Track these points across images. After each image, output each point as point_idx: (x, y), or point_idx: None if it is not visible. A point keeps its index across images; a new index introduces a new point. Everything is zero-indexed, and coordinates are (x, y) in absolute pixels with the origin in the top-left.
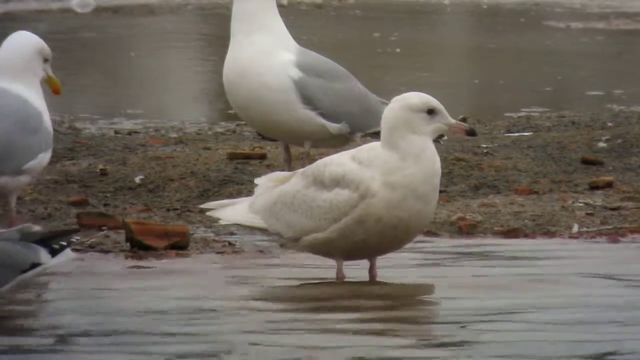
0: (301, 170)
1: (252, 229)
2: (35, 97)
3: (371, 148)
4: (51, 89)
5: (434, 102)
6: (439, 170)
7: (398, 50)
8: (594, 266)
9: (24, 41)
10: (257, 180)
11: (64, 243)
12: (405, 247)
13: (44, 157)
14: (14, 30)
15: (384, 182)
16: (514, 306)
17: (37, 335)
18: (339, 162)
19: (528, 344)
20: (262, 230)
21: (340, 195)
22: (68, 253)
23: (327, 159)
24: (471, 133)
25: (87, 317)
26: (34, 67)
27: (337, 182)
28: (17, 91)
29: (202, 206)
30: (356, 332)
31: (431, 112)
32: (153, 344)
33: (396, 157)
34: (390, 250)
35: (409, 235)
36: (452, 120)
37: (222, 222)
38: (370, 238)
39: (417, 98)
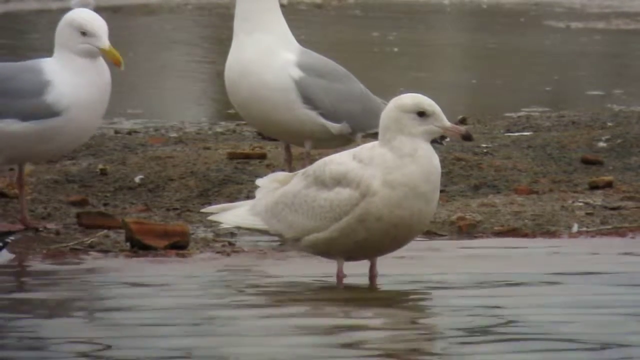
0: (302, 170)
1: (253, 232)
2: (54, 69)
3: (372, 147)
4: (113, 63)
5: (426, 104)
6: (439, 169)
7: (395, 49)
8: None
9: (62, 19)
10: (258, 182)
11: (0, 244)
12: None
13: (11, 125)
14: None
15: (384, 181)
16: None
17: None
18: (339, 161)
19: None
20: (263, 232)
21: (341, 194)
22: (3, 254)
23: (327, 158)
24: (467, 137)
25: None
26: (64, 41)
27: (338, 181)
28: (34, 60)
29: (204, 210)
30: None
31: (422, 114)
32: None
33: (394, 156)
34: (391, 249)
35: (411, 235)
36: (448, 124)
37: (223, 226)
38: (371, 237)
39: (409, 99)
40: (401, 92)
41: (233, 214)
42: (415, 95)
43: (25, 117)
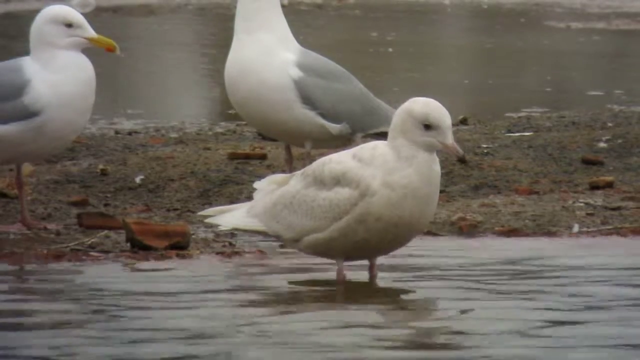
0: (300, 171)
1: (251, 233)
2: (33, 68)
3: (374, 147)
4: (106, 50)
5: (433, 117)
6: (438, 172)
7: (396, 50)
8: None
9: (37, 17)
10: (256, 185)
11: None
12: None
13: None
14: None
15: (384, 181)
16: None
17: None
18: (338, 160)
19: None
20: (262, 234)
21: (341, 193)
22: None
23: (326, 158)
24: (462, 160)
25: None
26: (48, 39)
27: (337, 180)
28: (14, 60)
29: (201, 213)
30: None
31: (428, 127)
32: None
33: (395, 157)
34: (391, 249)
35: (410, 235)
36: (449, 142)
37: (221, 228)
38: (371, 237)
39: (420, 107)
40: (395, 92)
41: (231, 216)
42: (428, 103)
43: (5, 119)
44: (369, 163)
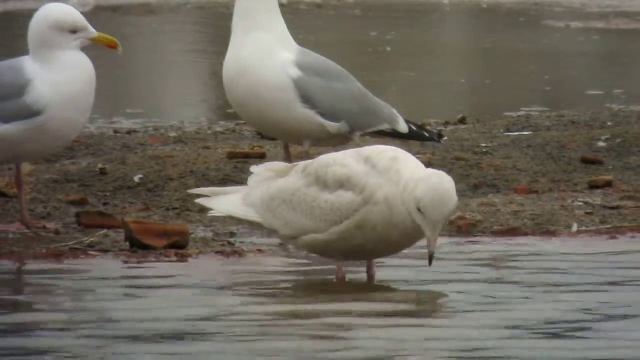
0: (302, 164)
1: (244, 222)
2: (34, 67)
3: (394, 158)
4: (108, 47)
5: (424, 206)
6: (418, 240)
7: (395, 49)
8: None
9: (36, 19)
10: (253, 169)
11: None
12: None
13: None
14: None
15: (387, 197)
16: None
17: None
18: (343, 162)
19: None
20: (256, 225)
21: (343, 197)
22: None
23: (329, 158)
24: (429, 257)
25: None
26: (48, 42)
27: (341, 184)
28: (14, 60)
29: (191, 191)
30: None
31: (420, 211)
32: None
33: (405, 197)
34: (388, 254)
35: (407, 245)
36: (429, 234)
37: (213, 214)
38: (367, 243)
39: (421, 189)
40: (393, 92)
41: (225, 202)
42: (429, 191)
43: (6, 119)
44: (382, 173)
